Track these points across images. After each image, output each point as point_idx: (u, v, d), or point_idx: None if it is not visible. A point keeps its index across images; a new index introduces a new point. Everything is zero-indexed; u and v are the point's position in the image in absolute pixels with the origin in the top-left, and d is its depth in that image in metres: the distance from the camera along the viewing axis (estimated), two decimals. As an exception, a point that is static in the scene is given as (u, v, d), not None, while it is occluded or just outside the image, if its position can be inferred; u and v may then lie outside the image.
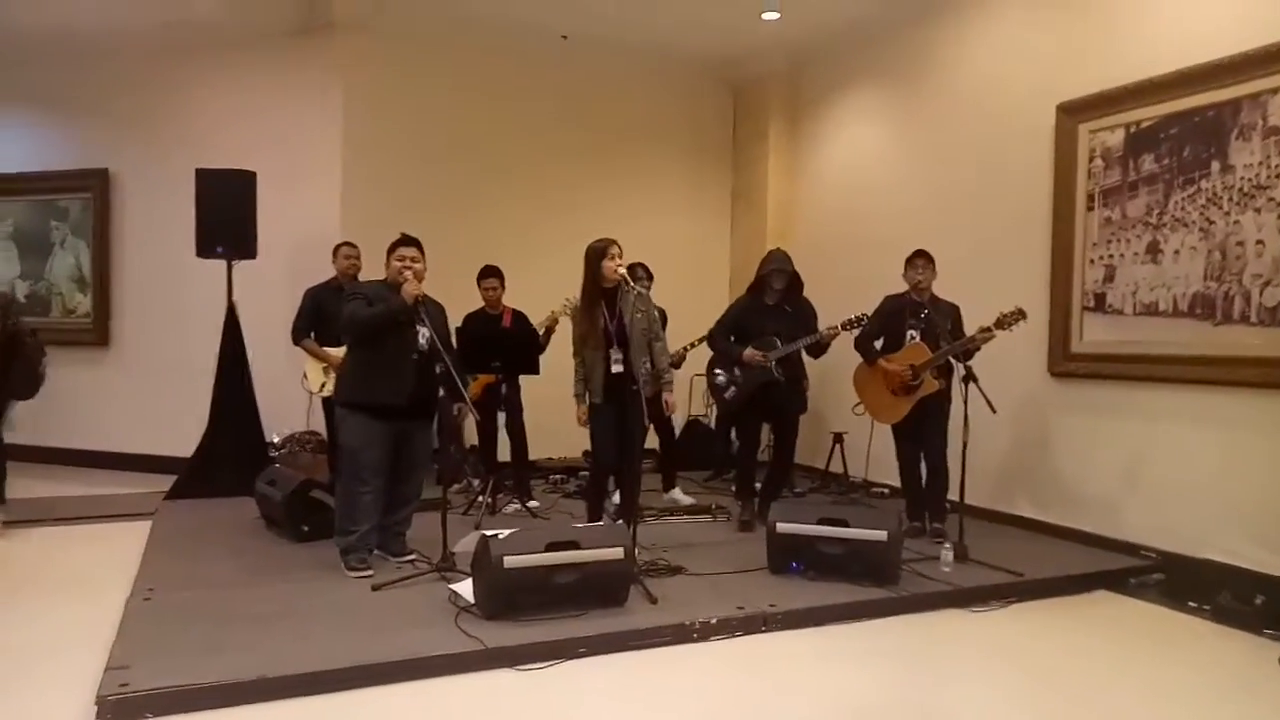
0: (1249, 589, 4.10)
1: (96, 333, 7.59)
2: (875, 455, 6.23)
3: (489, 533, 3.67)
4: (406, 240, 4.38)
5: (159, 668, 3.02)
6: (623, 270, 4.64)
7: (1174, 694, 3.25)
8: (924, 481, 5.23)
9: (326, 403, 5.87)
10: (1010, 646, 3.70)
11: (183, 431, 6.54)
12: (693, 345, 6.09)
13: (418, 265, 4.34)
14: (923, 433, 5.10)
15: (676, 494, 6.18)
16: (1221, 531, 4.42)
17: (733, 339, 5.43)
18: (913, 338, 5.07)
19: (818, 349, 5.27)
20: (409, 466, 4.47)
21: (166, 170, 7.19)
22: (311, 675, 3.05)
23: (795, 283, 5.38)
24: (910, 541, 4.72)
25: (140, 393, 7.42)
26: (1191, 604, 4.22)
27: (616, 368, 4.70)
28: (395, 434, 4.32)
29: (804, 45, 7.45)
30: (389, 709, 2.98)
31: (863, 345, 5.29)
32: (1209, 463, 4.51)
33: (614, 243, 4.68)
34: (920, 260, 5.12)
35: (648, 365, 4.74)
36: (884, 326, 5.24)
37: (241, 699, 2.94)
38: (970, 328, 4.97)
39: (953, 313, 5.12)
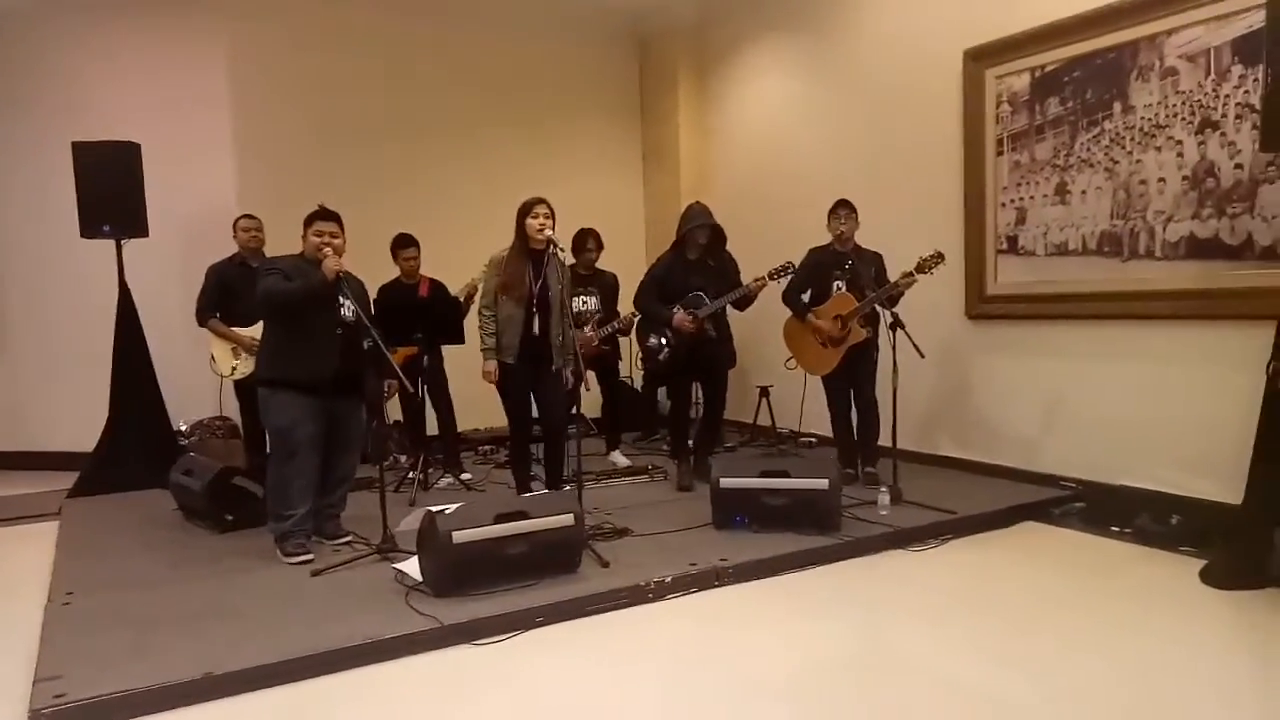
0: (1165, 510, 4.34)
1: (-31, 324, 7.02)
2: (805, 407, 6.33)
3: (435, 509, 3.56)
4: (325, 214, 4.16)
5: (94, 675, 2.83)
6: (548, 232, 4.52)
7: (1108, 613, 3.41)
8: (854, 429, 5.33)
9: (239, 385, 5.60)
10: (950, 584, 3.81)
11: (79, 425, 6.16)
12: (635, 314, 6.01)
13: (337, 240, 4.14)
14: (853, 381, 5.19)
15: (616, 456, 6.17)
16: (1137, 459, 4.65)
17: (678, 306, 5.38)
18: (839, 288, 5.13)
19: (744, 302, 5.28)
20: (341, 446, 4.30)
21: (43, 144, 6.66)
22: (262, 669, 2.90)
23: (718, 236, 5.35)
24: (846, 488, 4.79)
25: (29, 385, 6.92)
26: (1113, 528, 4.44)
27: (535, 330, 4.60)
28: (324, 411, 4.15)
29: (709, -3, 7.40)
30: (350, 696, 2.86)
31: (790, 299, 5.32)
32: (1123, 395, 4.73)
33: (541, 201, 4.55)
34: (843, 210, 5.16)
35: (559, 335, 4.65)
36: (810, 278, 5.28)
37: (188, 699, 2.78)
38: (891, 276, 5.06)
39: (876, 261, 5.20)
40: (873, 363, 5.15)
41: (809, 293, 5.31)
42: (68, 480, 5.88)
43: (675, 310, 5.24)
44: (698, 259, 5.32)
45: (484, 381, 4.81)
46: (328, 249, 4.06)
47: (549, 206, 4.56)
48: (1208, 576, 3.72)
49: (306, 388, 4.07)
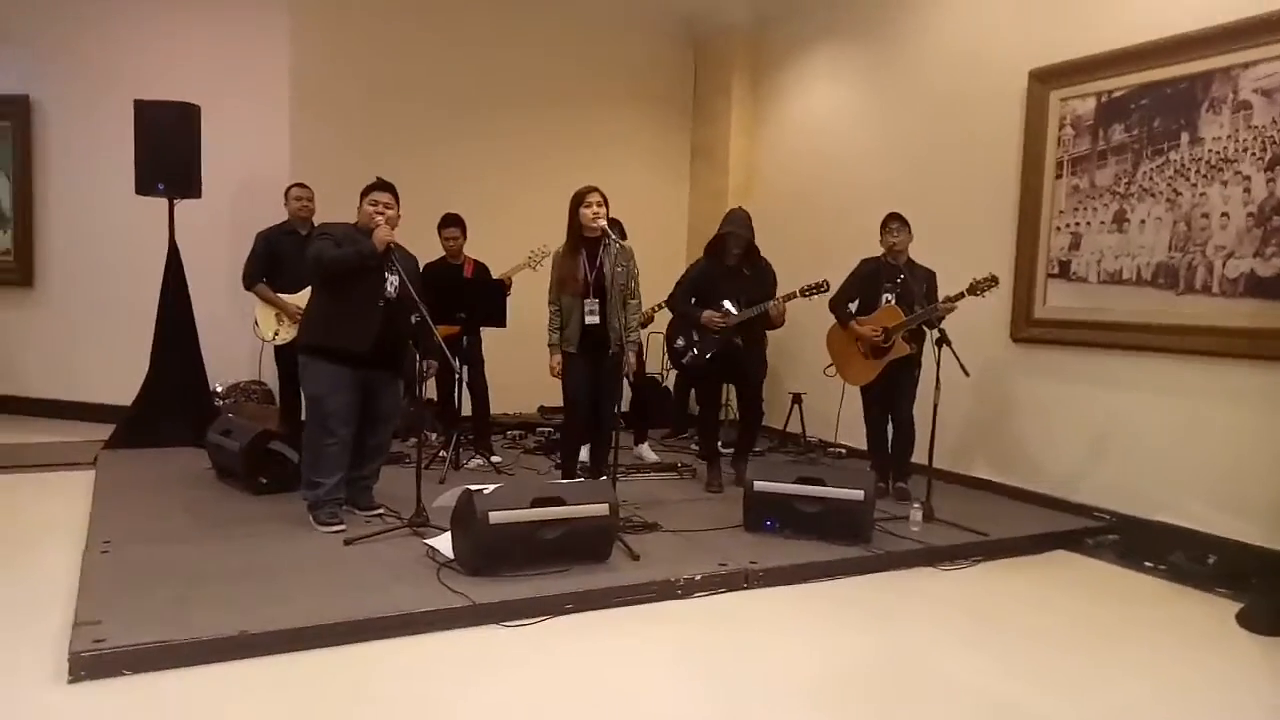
0: (1202, 550, 4.27)
1: (20, 272, 7.11)
2: (841, 417, 6.30)
3: (474, 487, 3.57)
4: (382, 185, 4.19)
5: (132, 624, 2.87)
6: (602, 221, 4.52)
7: (1138, 650, 3.36)
8: (890, 442, 5.30)
9: (279, 351, 5.64)
10: (980, 604, 3.78)
11: (119, 378, 6.24)
12: (660, 306, 6.02)
13: (391, 211, 4.16)
14: (892, 395, 5.15)
15: (645, 449, 6.17)
16: (1176, 495, 4.59)
17: (694, 301, 5.38)
18: (888, 300, 5.09)
19: (768, 322, 5.22)
20: (377, 418, 4.32)
21: (95, 100, 6.78)
22: (296, 631, 2.93)
23: (752, 247, 5.32)
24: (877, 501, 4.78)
25: (71, 337, 7.04)
26: (1147, 564, 4.37)
27: (591, 319, 4.59)
28: (361, 382, 4.17)
29: None
30: (378, 666, 2.88)
31: (836, 306, 5.28)
32: (1166, 429, 4.66)
33: (593, 190, 4.55)
34: (894, 223, 5.11)
35: (618, 323, 4.65)
36: (859, 289, 5.23)
37: (223, 655, 2.81)
38: (943, 294, 5.01)
39: (929, 278, 5.14)
40: (914, 379, 5.11)
41: (856, 303, 5.25)
42: (105, 431, 5.96)
43: (705, 311, 5.25)
44: (735, 265, 5.28)
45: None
46: (379, 218, 4.08)
47: (601, 194, 4.55)
48: (1244, 620, 3.66)
49: (343, 357, 4.09)
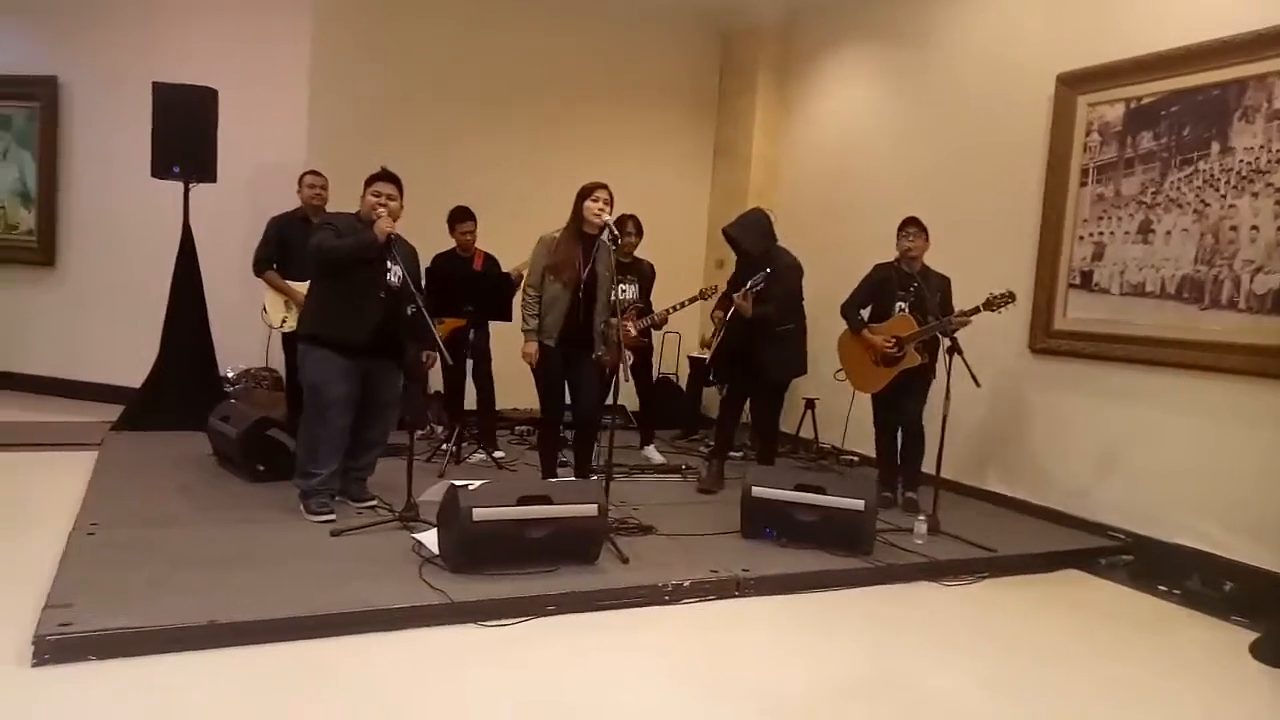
0: (1218, 575, 4.11)
1: (42, 251, 7.17)
2: (853, 422, 6.18)
3: (459, 483, 3.51)
4: (386, 175, 4.14)
5: (103, 608, 2.84)
6: (605, 219, 4.43)
7: (1145, 679, 3.22)
8: (900, 452, 5.17)
9: (286, 339, 5.62)
10: (983, 623, 3.66)
11: (131, 360, 6.25)
12: (674, 309, 5.87)
13: (394, 203, 4.11)
14: (902, 404, 5.02)
15: (650, 451, 6.08)
16: (1194, 517, 4.41)
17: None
18: (901, 309, 4.94)
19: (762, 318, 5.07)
20: (375, 409, 4.28)
21: (121, 82, 6.80)
22: (266, 622, 2.88)
23: (762, 240, 5.16)
24: (882, 511, 4.62)
25: (87, 318, 7.08)
26: (1161, 587, 4.22)
27: (581, 315, 4.52)
28: (360, 372, 4.12)
29: (799, -3, 7.24)
30: (346, 661, 2.83)
31: (847, 312, 5.15)
32: (1186, 448, 4.49)
33: (602, 186, 4.46)
34: (911, 228, 4.98)
35: (602, 326, 4.55)
36: (872, 295, 5.10)
37: (191, 644, 2.77)
38: (959, 301, 4.88)
39: (943, 285, 5.00)
40: (925, 387, 4.98)
41: (869, 310, 5.12)
42: (115, 413, 5.99)
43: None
44: (758, 262, 5.16)
45: (525, 363, 4.75)
46: (381, 209, 4.03)
47: (610, 193, 4.48)
48: (1258, 651, 3.50)
49: (342, 347, 4.05)
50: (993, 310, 4.63)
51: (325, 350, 4.06)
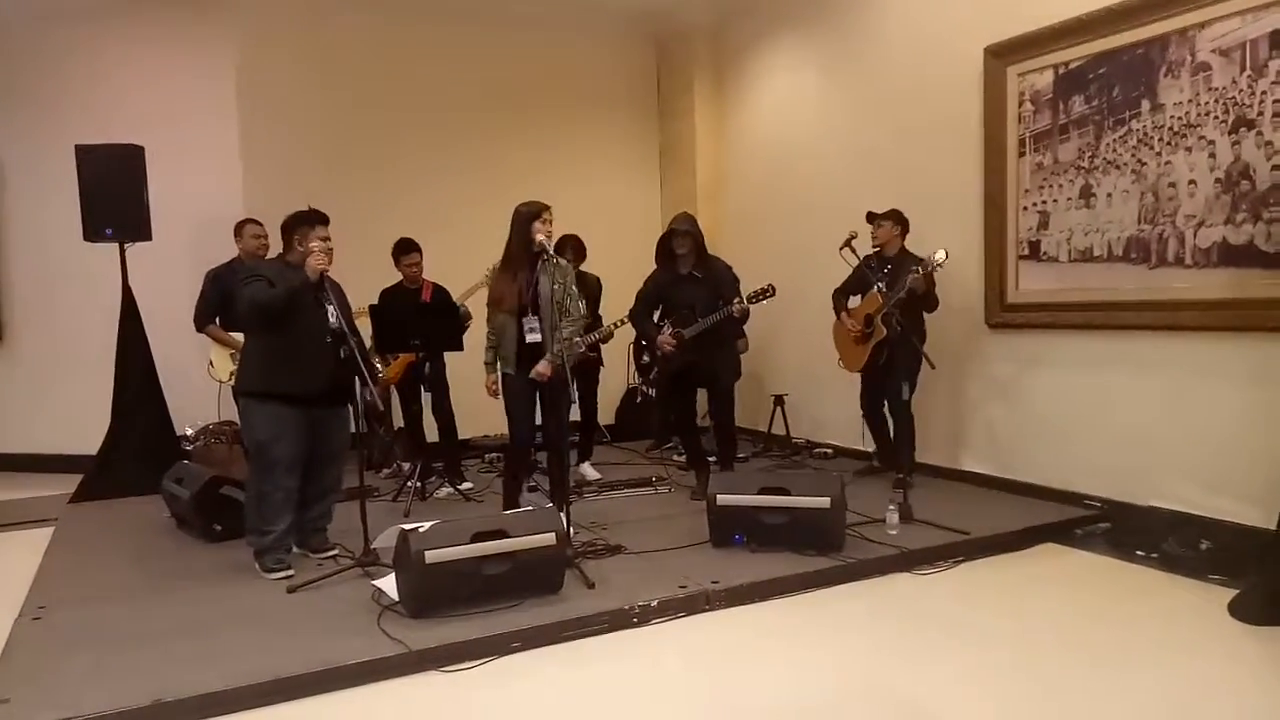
0: (1194, 535, 4.05)
1: (-10, 329, 7.04)
2: (826, 415, 6.18)
3: (408, 526, 3.42)
4: (321, 217, 4.01)
5: (42, 699, 2.73)
6: (540, 238, 4.37)
7: (1127, 649, 3.17)
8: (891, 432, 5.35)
9: (236, 391, 5.51)
10: (959, 611, 3.59)
11: (88, 428, 6.11)
12: (619, 324, 5.82)
13: (327, 242, 4.02)
14: (886, 384, 5.15)
15: (586, 468, 5.99)
16: (1165, 478, 4.37)
17: (659, 314, 5.31)
18: (879, 288, 5.02)
19: (732, 323, 5.06)
20: (327, 458, 4.18)
21: (51, 148, 6.61)
22: (213, 695, 2.78)
23: (701, 247, 5.18)
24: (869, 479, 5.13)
25: (38, 388, 6.92)
26: (1139, 553, 4.16)
27: (532, 337, 4.45)
28: (309, 423, 4.02)
29: (727, -5, 7.20)
30: (303, 726, 2.74)
31: (834, 298, 5.50)
32: (1151, 410, 4.45)
33: (547, 208, 4.43)
34: (871, 223, 5.35)
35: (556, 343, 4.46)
36: (857, 283, 5.38)
37: (137, 728, 2.67)
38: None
39: (920, 264, 4.98)
40: (909, 371, 4.94)
41: (860, 296, 5.39)
42: (73, 484, 5.85)
43: (664, 327, 5.17)
44: (688, 273, 5.13)
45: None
46: (316, 248, 3.92)
47: (550, 212, 4.45)
48: (1237, 609, 3.45)
49: (295, 399, 3.95)
50: (928, 270, 4.81)
51: (273, 404, 3.94)
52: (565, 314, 4.45)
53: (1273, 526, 3.62)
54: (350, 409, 4.20)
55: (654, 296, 5.30)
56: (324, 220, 4.04)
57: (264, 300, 3.86)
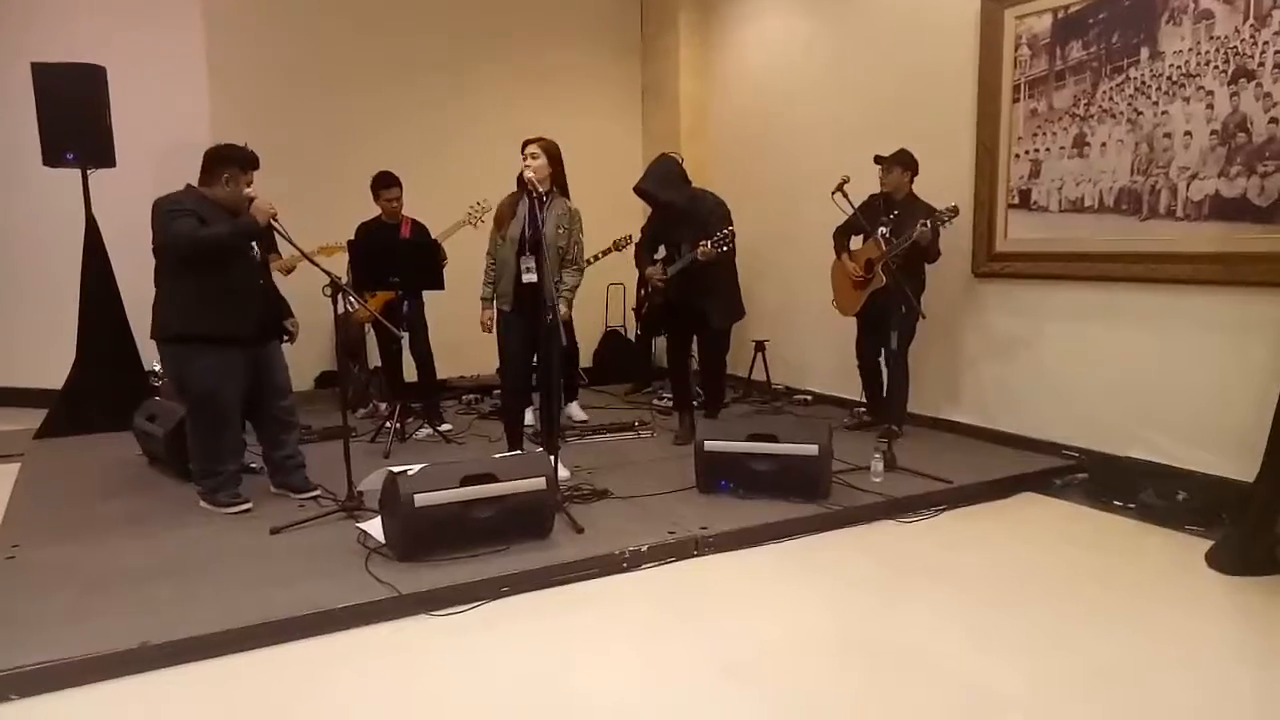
0: (1172, 485, 4.11)
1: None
2: (805, 363, 6.14)
3: (397, 469, 3.36)
4: (255, 162, 3.87)
5: (20, 641, 2.65)
6: (531, 174, 4.25)
7: (1102, 597, 3.21)
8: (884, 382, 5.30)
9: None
10: (941, 556, 3.62)
11: (49, 361, 5.93)
12: (593, 259, 5.73)
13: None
14: (880, 330, 5.03)
15: (574, 408, 5.95)
16: (1146, 429, 4.42)
17: (659, 253, 5.24)
18: (883, 234, 4.86)
19: (715, 264, 4.97)
20: (272, 392, 4.07)
21: (3, 65, 6.33)
22: (200, 639, 2.72)
23: (679, 188, 5.05)
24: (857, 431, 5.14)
25: (3, 320, 6.69)
26: (1116, 502, 4.22)
27: (528, 277, 4.35)
28: (250, 363, 3.94)
29: (715, -74, 6.97)
30: (290, 669, 2.69)
31: (835, 237, 5.32)
32: (1134, 361, 4.48)
33: (529, 141, 4.32)
34: (880, 165, 5.15)
35: (561, 284, 4.38)
36: (858, 222, 5.08)
37: (122, 670, 2.61)
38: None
39: (929, 213, 4.88)
40: (906, 322, 4.85)
41: (864, 237, 5.19)
42: (37, 418, 5.69)
43: (656, 263, 5.14)
44: (679, 211, 5.03)
45: (467, 329, 4.61)
46: (256, 196, 3.78)
47: (538, 145, 4.32)
48: (1214, 559, 3.52)
49: (238, 341, 3.84)
50: (941, 224, 4.71)
51: (213, 348, 3.79)
52: (573, 261, 4.35)
53: (1249, 479, 3.69)
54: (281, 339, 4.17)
55: (650, 236, 5.28)
56: (256, 165, 3.90)
57: (206, 237, 3.68)
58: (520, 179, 4.35)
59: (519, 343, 4.46)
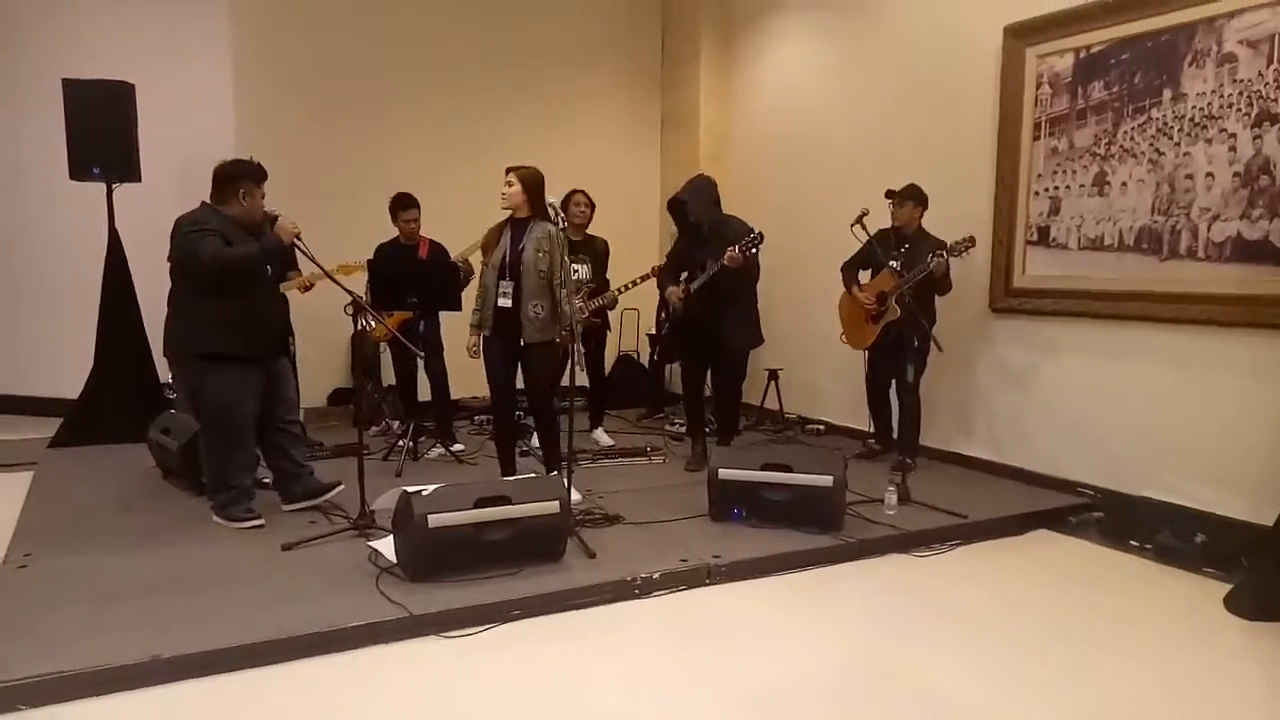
0: (1190, 527, 4.07)
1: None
2: (818, 390, 6.13)
3: (411, 489, 3.35)
4: (265, 173, 3.97)
5: (34, 651, 2.65)
6: (504, 202, 4.32)
7: (1118, 638, 3.18)
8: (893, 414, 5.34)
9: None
10: (955, 592, 3.59)
11: (67, 371, 5.97)
12: (625, 288, 5.78)
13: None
14: (894, 363, 5.05)
15: (600, 434, 5.95)
16: (1164, 470, 4.39)
17: (684, 276, 5.20)
18: (893, 267, 4.92)
19: (728, 277, 4.91)
20: (281, 402, 4.12)
21: (35, 81, 6.41)
22: (213, 653, 2.71)
23: (709, 209, 5.09)
24: (866, 462, 5.12)
25: (14, 329, 6.75)
26: (1132, 543, 4.19)
27: (503, 301, 4.35)
28: (264, 378, 3.99)
29: (739, -41, 7.04)
30: (301, 687, 2.68)
31: (844, 271, 5.31)
32: (1153, 401, 4.45)
33: (508, 170, 4.34)
34: (890, 200, 5.16)
35: (538, 308, 4.31)
36: (868, 257, 5.17)
37: (132, 683, 2.60)
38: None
39: (938, 248, 4.90)
40: (919, 354, 4.87)
41: (872, 271, 5.23)
42: (51, 427, 5.72)
43: (679, 284, 5.14)
44: (703, 234, 5.05)
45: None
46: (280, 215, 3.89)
47: (515, 174, 4.34)
48: (1232, 604, 3.47)
49: (253, 359, 3.90)
50: (955, 255, 4.76)
51: (232, 365, 3.85)
52: (562, 285, 4.35)
53: (1268, 522, 3.65)
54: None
55: (675, 260, 5.28)
56: (266, 178, 3.97)
57: (235, 257, 3.75)
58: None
59: (499, 367, 4.46)
